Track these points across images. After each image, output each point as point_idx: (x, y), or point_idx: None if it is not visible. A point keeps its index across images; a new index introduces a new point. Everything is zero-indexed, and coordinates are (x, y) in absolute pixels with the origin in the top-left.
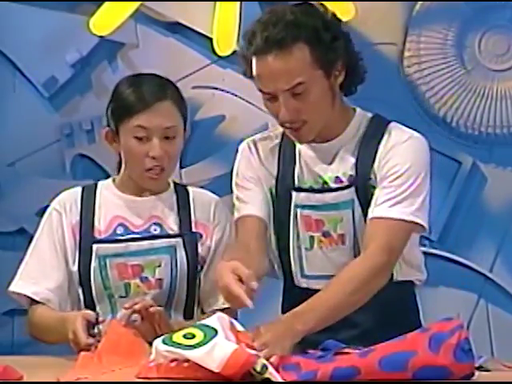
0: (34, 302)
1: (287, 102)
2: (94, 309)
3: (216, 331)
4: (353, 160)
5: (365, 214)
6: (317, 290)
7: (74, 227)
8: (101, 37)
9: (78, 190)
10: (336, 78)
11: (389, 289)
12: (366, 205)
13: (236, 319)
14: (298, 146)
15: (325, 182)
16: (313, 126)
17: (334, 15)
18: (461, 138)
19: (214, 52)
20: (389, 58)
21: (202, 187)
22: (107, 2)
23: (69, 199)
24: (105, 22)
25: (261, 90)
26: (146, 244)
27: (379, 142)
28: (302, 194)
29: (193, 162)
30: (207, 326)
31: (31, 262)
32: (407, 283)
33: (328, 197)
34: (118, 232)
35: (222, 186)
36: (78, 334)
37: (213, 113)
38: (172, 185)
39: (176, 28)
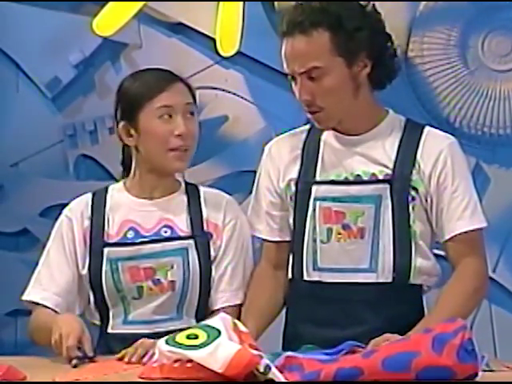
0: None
1: (303, 84)
2: (107, 310)
3: (219, 332)
4: (390, 159)
5: (394, 211)
6: (329, 283)
7: (85, 231)
8: (104, 37)
9: (89, 195)
10: (361, 70)
11: (397, 291)
12: (398, 204)
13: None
14: (323, 139)
15: (357, 175)
16: (330, 113)
17: (373, 8)
18: (464, 139)
19: (217, 52)
20: None
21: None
22: (110, 3)
23: (80, 205)
24: (108, 22)
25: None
26: (158, 247)
27: (417, 146)
28: (324, 187)
29: (196, 163)
30: (210, 326)
31: (41, 270)
32: (416, 286)
33: (352, 189)
34: (129, 236)
35: (226, 187)
36: (70, 338)
37: (216, 113)
38: (183, 184)
39: (179, 28)
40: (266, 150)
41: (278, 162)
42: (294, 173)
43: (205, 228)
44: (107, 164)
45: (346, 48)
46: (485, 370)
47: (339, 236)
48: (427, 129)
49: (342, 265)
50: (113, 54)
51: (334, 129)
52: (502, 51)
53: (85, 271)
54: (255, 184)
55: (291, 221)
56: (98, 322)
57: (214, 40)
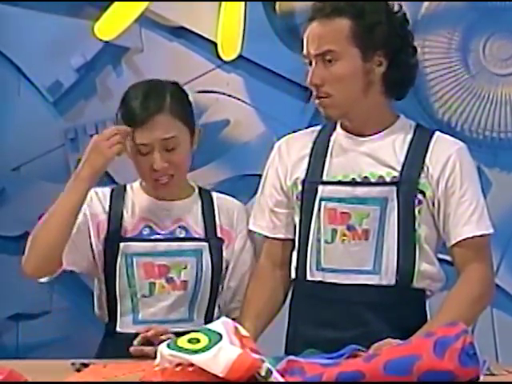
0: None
1: (316, 66)
2: (115, 306)
3: (221, 336)
4: (398, 162)
5: (399, 214)
6: (332, 284)
7: (99, 225)
8: (105, 41)
9: (107, 190)
10: (375, 67)
11: (400, 294)
12: (404, 207)
13: None
14: (333, 139)
15: (365, 177)
16: (336, 102)
17: (401, 11)
18: (465, 143)
19: (218, 56)
20: None
21: None
22: (112, 6)
23: (97, 200)
24: (109, 26)
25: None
26: (174, 245)
27: (426, 150)
28: (330, 187)
29: (197, 167)
30: (212, 330)
31: None
32: (419, 290)
33: (358, 190)
34: (144, 233)
35: (227, 191)
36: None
37: (217, 117)
38: (197, 189)
39: (180, 32)
40: (276, 147)
41: (287, 160)
42: (301, 172)
43: (218, 233)
44: (109, 168)
45: (363, 40)
46: (486, 374)
47: (344, 237)
48: (437, 134)
49: (346, 266)
50: (114, 58)
51: (344, 128)
52: (503, 55)
53: (100, 262)
54: (262, 180)
55: (297, 220)
56: (106, 319)
57: (215, 44)
